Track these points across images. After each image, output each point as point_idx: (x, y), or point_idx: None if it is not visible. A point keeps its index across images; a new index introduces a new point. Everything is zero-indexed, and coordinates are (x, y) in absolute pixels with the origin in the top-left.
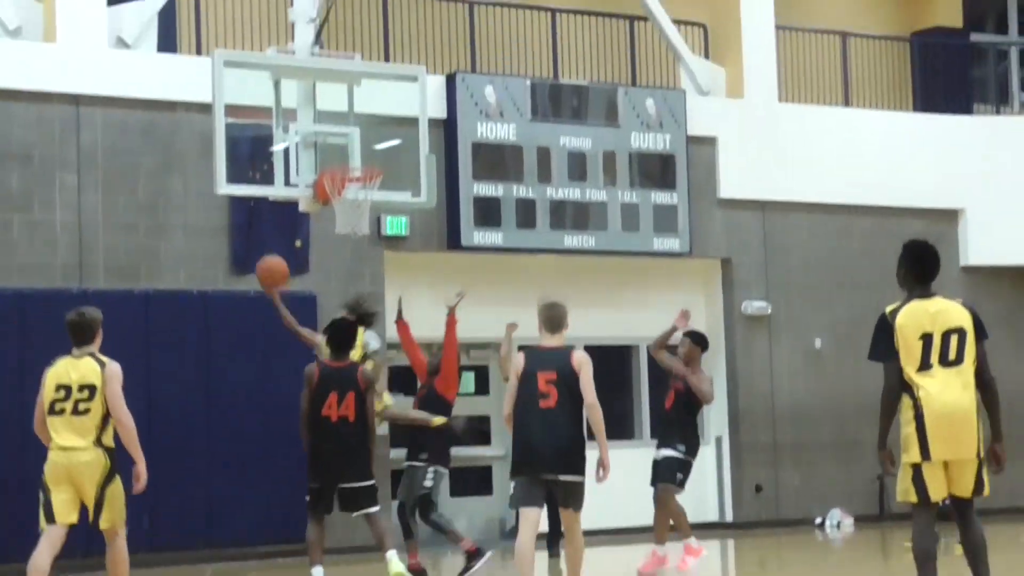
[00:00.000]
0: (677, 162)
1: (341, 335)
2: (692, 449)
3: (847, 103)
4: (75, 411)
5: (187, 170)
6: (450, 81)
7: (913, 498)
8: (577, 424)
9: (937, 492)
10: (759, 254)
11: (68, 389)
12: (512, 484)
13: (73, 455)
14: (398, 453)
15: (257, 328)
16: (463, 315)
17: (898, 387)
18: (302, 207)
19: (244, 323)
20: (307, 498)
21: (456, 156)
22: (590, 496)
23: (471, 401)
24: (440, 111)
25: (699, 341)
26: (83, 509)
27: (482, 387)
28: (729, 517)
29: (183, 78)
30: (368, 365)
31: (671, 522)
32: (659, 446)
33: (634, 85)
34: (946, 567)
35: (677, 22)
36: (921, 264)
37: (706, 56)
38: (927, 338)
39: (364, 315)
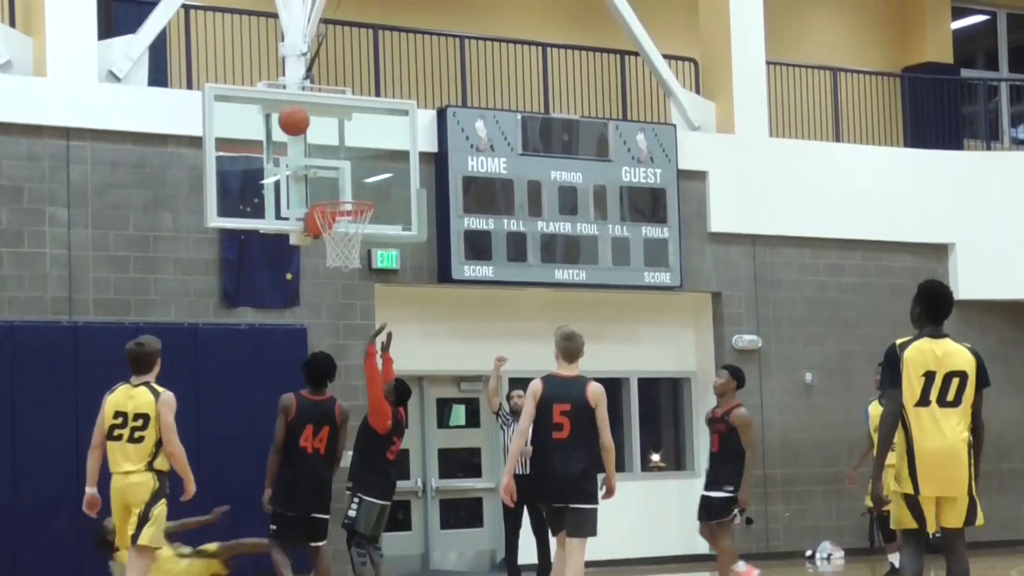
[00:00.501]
0: (668, 196)
1: (319, 369)
2: (739, 486)
3: (838, 138)
4: (131, 438)
5: (178, 204)
6: (441, 115)
7: (909, 525)
8: (589, 455)
9: (930, 523)
10: (750, 288)
11: (125, 416)
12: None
13: (126, 478)
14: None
15: (247, 362)
16: (454, 348)
17: (899, 415)
18: (293, 240)
19: (234, 357)
20: (272, 527)
21: (447, 190)
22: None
23: (463, 433)
24: (431, 145)
25: (736, 375)
26: None
27: (473, 420)
28: None
29: (174, 112)
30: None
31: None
32: (708, 487)
33: (625, 120)
34: None
35: (668, 57)
36: (935, 305)
37: (697, 91)
38: (930, 376)
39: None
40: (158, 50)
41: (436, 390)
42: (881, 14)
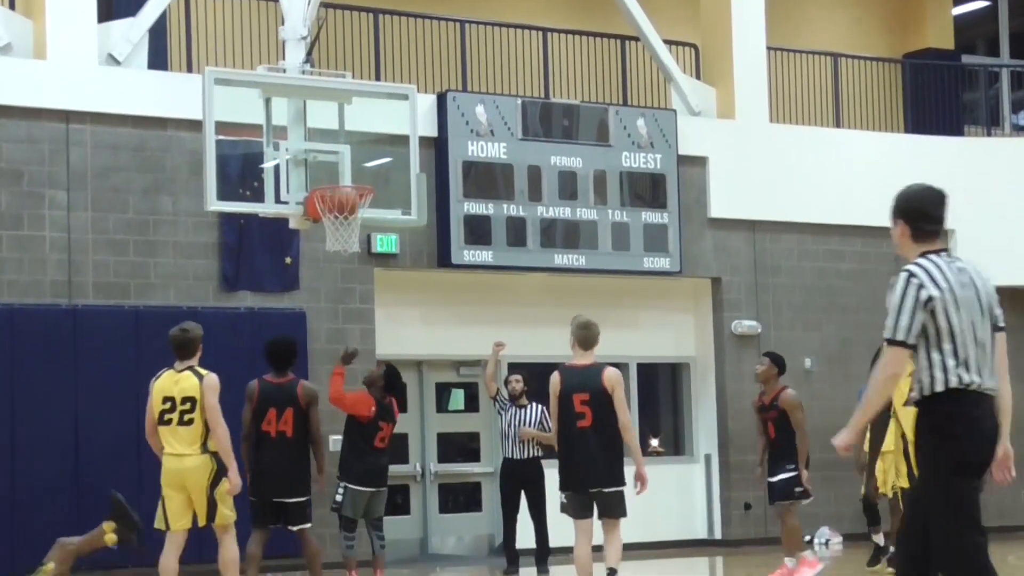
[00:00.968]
0: (668, 182)
1: (279, 352)
2: (798, 466)
3: (838, 124)
4: (181, 422)
5: (177, 187)
6: (441, 100)
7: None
8: (612, 439)
9: None
10: (749, 274)
11: (173, 401)
12: (561, 495)
13: (183, 461)
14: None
15: (246, 346)
16: (453, 332)
17: (887, 409)
18: (292, 224)
19: (233, 340)
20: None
21: (447, 174)
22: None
23: (461, 418)
24: (431, 130)
25: (777, 361)
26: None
27: (472, 404)
28: (718, 535)
29: (173, 95)
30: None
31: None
32: (771, 473)
33: (625, 105)
34: None
35: (668, 42)
36: None
37: (697, 77)
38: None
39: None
40: (158, 33)
41: (435, 375)
42: (882, 0)
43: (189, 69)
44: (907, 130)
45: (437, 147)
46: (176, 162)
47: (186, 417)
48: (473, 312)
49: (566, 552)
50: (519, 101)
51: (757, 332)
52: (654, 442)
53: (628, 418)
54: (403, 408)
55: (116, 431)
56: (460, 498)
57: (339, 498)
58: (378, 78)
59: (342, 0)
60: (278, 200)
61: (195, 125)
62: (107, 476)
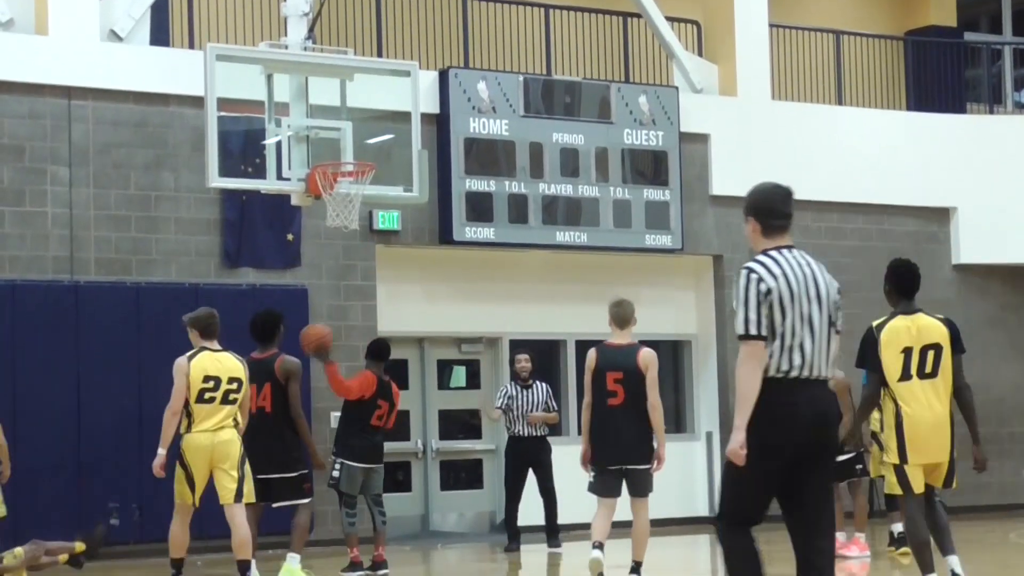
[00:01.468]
0: (669, 159)
1: (260, 327)
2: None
3: (840, 102)
4: (224, 400)
5: (179, 164)
6: (443, 76)
7: (898, 491)
8: (642, 418)
9: (917, 486)
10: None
11: (217, 380)
12: (592, 473)
13: (215, 435)
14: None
15: (247, 321)
16: (454, 309)
17: (876, 396)
18: (294, 201)
19: (235, 316)
20: None
21: (448, 151)
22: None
23: (463, 395)
24: (433, 106)
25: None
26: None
27: (473, 381)
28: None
29: (175, 71)
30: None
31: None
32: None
33: (627, 82)
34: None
35: (671, 19)
36: (903, 282)
37: (699, 53)
38: (907, 352)
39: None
40: (160, 9)
41: (436, 351)
42: None
43: (191, 45)
44: (909, 107)
45: (439, 124)
46: (178, 138)
47: (231, 396)
48: (475, 289)
49: (575, 528)
50: (521, 78)
51: None
52: None
53: (658, 399)
54: (403, 386)
55: (118, 407)
56: (461, 475)
57: (335, 474)
58: (380, 54)
59: None
60: (280, 176)
61: (197, 101)
62: (108, 451)
